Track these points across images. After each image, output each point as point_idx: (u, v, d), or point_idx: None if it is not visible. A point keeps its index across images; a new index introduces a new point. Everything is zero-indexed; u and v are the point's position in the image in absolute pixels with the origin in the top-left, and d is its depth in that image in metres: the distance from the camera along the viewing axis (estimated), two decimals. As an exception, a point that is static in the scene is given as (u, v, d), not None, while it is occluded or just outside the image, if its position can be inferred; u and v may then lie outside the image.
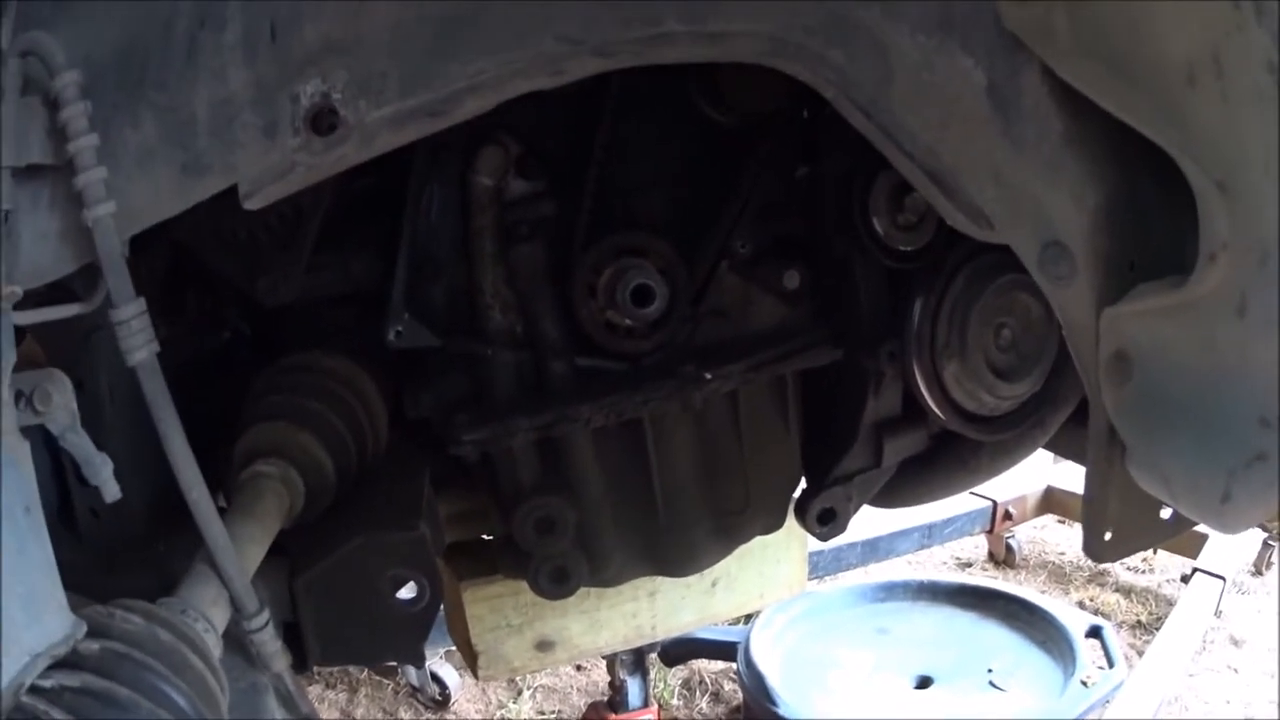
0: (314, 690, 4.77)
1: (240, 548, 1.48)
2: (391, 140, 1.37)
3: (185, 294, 1.87)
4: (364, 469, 1.96)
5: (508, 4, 1.36)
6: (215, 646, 1.37)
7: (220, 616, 1.43)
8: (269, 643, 1.53)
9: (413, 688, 4.77)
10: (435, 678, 4.72)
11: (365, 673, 4.85)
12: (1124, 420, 1.53)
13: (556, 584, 2.17)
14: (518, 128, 1.92)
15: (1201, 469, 1.46)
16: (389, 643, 1.82)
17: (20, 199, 1.23)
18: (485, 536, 2.44)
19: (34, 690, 1.09)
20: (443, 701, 4.73)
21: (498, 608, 2.47)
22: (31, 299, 1.24)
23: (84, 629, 1.17)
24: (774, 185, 2.08)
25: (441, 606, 2.03)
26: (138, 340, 1.32)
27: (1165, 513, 1.69)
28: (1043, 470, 5.87)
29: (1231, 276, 1.32)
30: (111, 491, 1.32)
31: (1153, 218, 1.45)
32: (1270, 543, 5.73)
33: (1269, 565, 5.74)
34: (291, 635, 1.73)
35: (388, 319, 1.94)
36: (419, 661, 1.87)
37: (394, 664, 4.71)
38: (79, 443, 1.29)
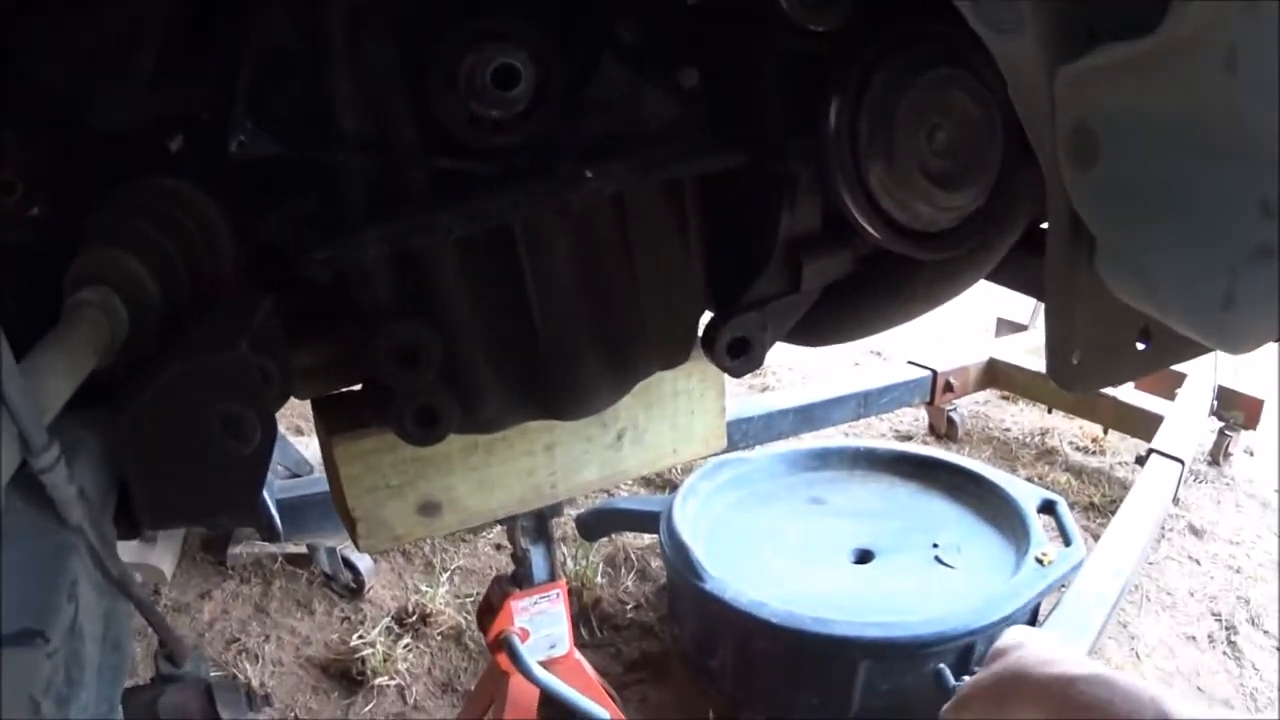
0: (228, 585, 4.68)
1: (37, 378, 1.33)
2: None
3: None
4: (205, 298, 1.79)
5: None
6: None
7: (8, 457, 1.25)
8: (61, 486, 1.33)
9: (325, 576, 4.64)
10: (348, 563, 4.58)
11: (279, 563, 4.75)
12: (1092, 210, 1.31)
13: (423, 427, 1.94)
14: None
15: (1194, 266, 1.24)
16: (222, 493, 1.62)
17: None
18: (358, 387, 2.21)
19: None
20: (357, 589, 4.60)
21: (374, 465, 2.23)
22: None
23: None
24: None
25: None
26: None
27: (1140, 344, 1.48)
28: (984, 343, 5.77)
29: (1214, 19, 1.09)
30: None
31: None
32: (1228, 431, 5.67)
33: (1227, 455, 5.68)
34: (123, 490, 1.55)
35: (230, 129, 1.72)
36: (254, 518, 1.67)
37: (303, 551, 4.59)
38: None
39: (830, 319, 2.21)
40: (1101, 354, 1.46)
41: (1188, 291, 1.25)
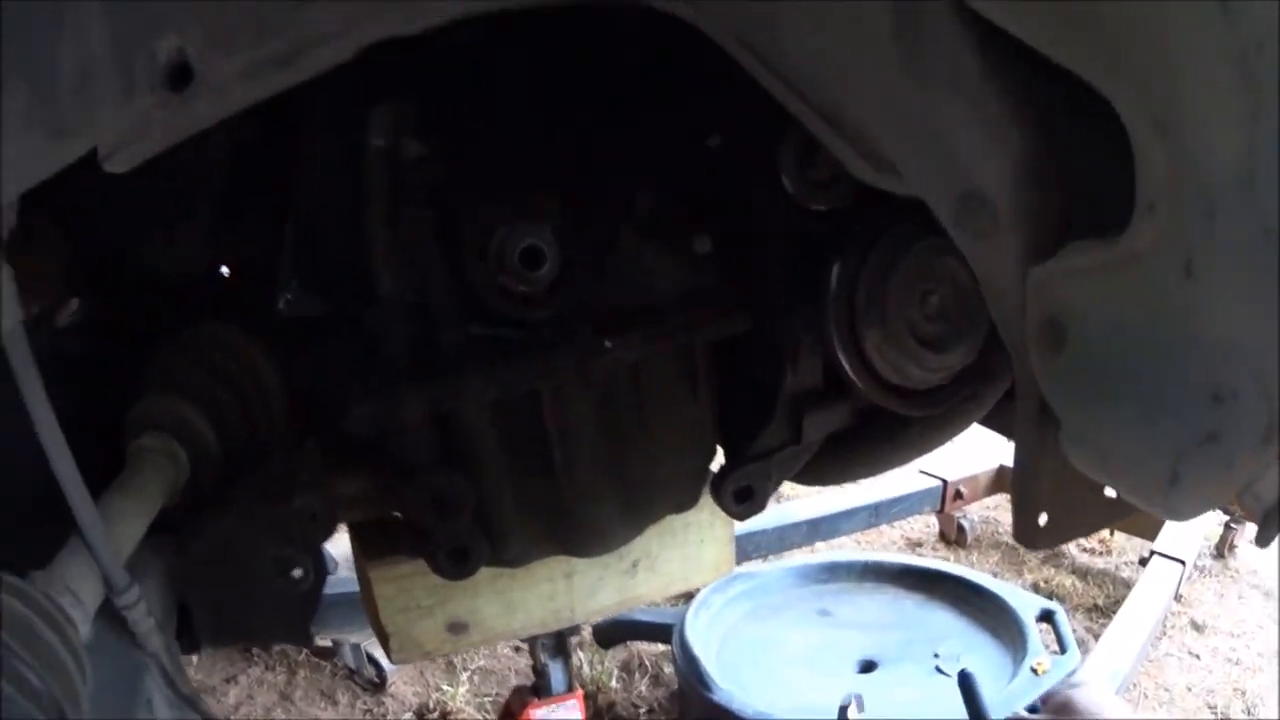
0: (254, 672, 4.76)
1: (113, 523, 1.46)
2: (246, 94, 1.33)
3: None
4: (260, 444, 1.94)
5: None
6: (82, 622, 1.34)
7: (90, 592, 1.40)
8: (141, 620, 1.50)
9: (349, 669, 4.75)
10: (371, 659, 4.68)
11: (303, 654, 4.84)
12: (1057, 394, 1.41)
13: (456, 564, 2.09)
14: (411, 89, 1.84)
15: (1145, 448, 1.35)
16: (276, 622, 1.81)
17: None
18: (396, 514, 2.35)
19: None
20: (379, 684, 4.70)
21: (407, 588, 2.39)
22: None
23: None
24: (680, 143, 2.03)
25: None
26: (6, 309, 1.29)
27: (1110, 491, 1.58)
28: (995, 449, 5.86)
29: (1174, 230, 1.21)
30: None
31: (1090, 166, 1.31)
32: (1233, 525, 5.72)
33: (1232, 548, 5.74)
34: (185, 619, 1.72)
35: (277, 287, 1.89)
36: (307, 641, 1.83)
37: (328, 645, 4.70)
38: None
39: (830, 464, 2.35)
40: (1066, 512, 1.57)
41: (1137, 471, 1.37)
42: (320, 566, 1.75)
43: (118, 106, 1.30)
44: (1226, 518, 5.72)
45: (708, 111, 1.99)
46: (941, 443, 2.35)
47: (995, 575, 5.03)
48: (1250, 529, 5.54)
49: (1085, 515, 1.61)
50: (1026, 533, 1.57)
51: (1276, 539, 1.49)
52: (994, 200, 1.35)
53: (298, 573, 1.75)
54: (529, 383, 1.95)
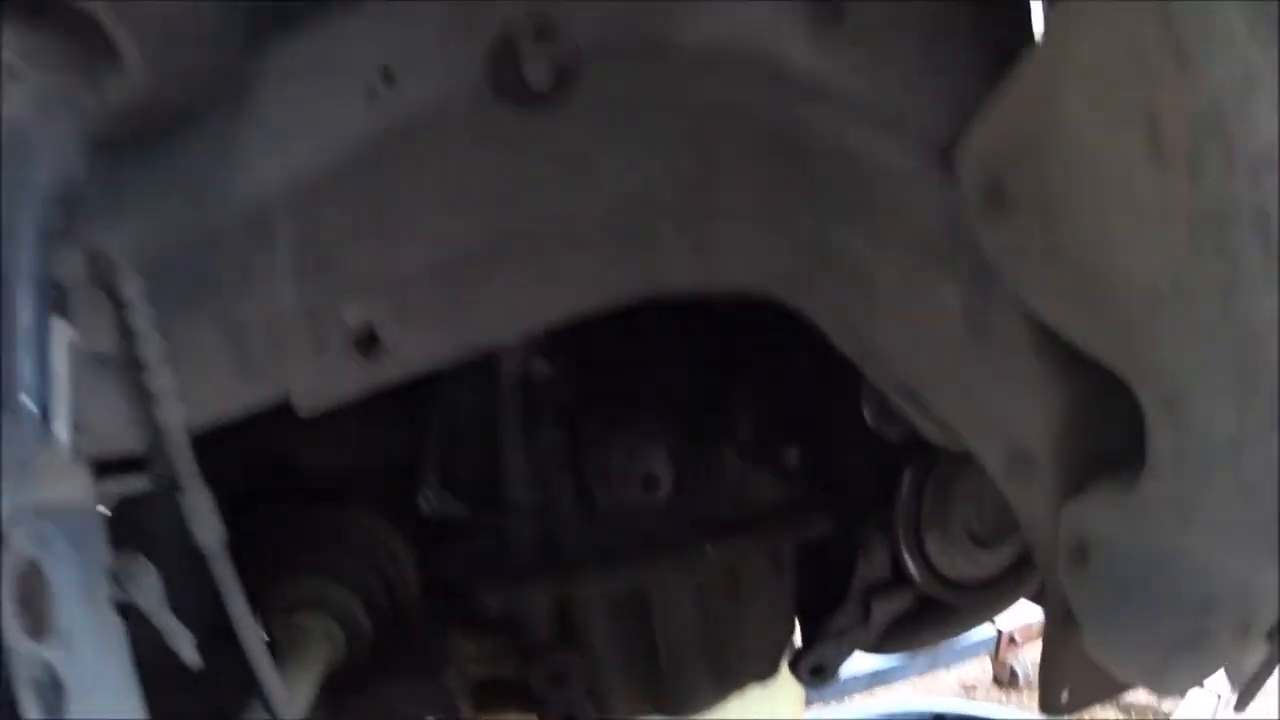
0: None
1: (288, 696, 1.61)
2: (428, 363, 1.52)
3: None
4: (399, 619, 2.12)
5: (531, 244, 1.50)
6: None
7: None
8: None
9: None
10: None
11: None
12: (1079, 603, 1.60)
13: (565, 728, 2.33)
14: None
15: (1143, 647, 1.55)
16: None
17: (88, 381, 1.28)
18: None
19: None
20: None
21: (513, 739, 2.63)
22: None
23: None
24: (775, 372, 2.26)
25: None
26: (206, 525, 1.36)
27: None
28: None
29: (1176, 486, 1.41)
30: (192, 661, 1.37)
31: (1114, 414, 1.49)
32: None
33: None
34: None
35: (420, 488, 2.11)
36: None
37: None
38: (165, 620, 1.33)
39: (893, 639, 2.58)
40: (1084, 687, 1.78)
41: (1138, 664, 1.59)
42: None
43: (309, 361, 1.46)
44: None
45: (799, 344, 2.17)
46: (990, 618, 2.63)
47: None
48: None
49: (1099, 689, 1.81)
50: (1051, 706, 1.79)
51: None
52: (1035, 454, 1.58)
53: None
54: (640, 581, 2.21)
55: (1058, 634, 1.73)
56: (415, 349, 1.49)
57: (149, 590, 1.30)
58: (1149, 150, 1.27)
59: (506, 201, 1.49)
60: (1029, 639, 5.91)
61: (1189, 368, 1.34)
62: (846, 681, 5.38)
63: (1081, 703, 1.81)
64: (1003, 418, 1.57)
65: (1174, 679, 1.57)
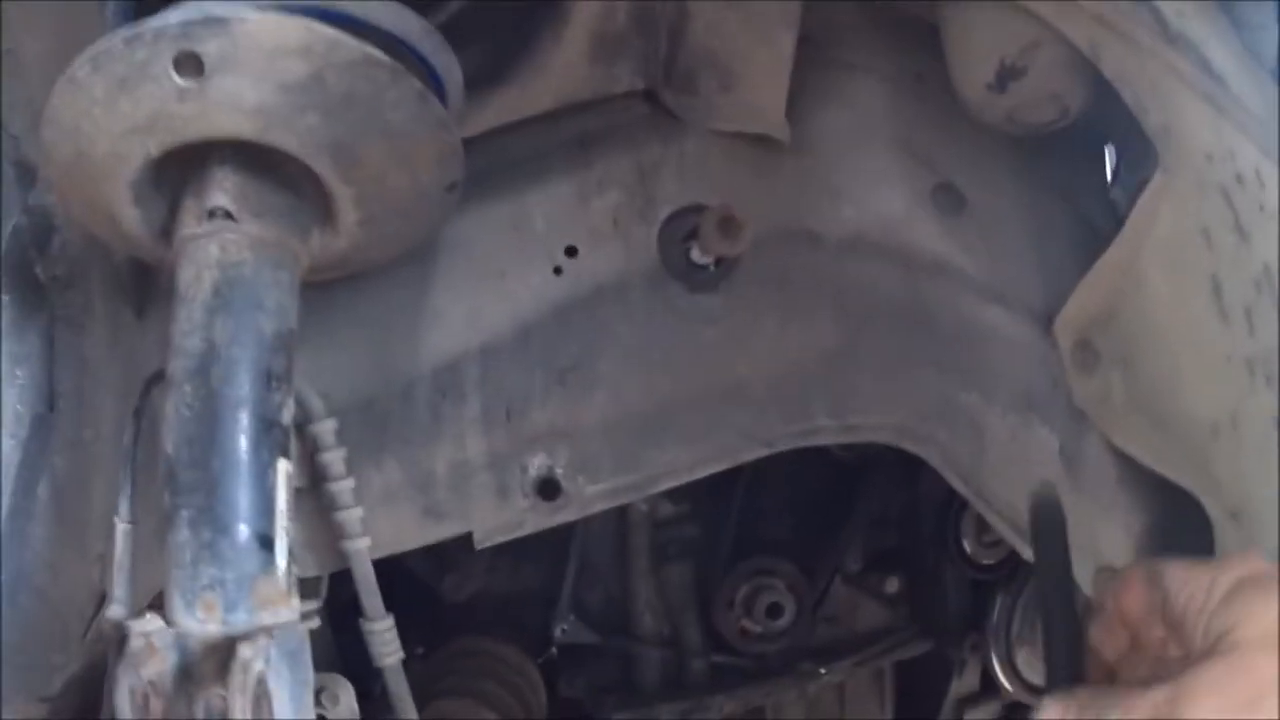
0: None
1: None
2: (602, 506, 1.63)
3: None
4: None
5: (696, 406, 1.64)
6: None
7: None
8: None
9: None
10: None
11: None
12: None
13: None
14: None
15: None
16: None
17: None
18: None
19: None
20: None
21: None
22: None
23: None
24: (879, 507, 2.43)
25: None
26: (388, 648, 1.55)
27: None
28: None
29: None
30: None
31: (1186, 534, 1.62)
32: None
33: None
34: None
35: (556, 618, 2.29)
36: None
37: None
38: None
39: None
40: None
41: None
42: None
43: (493, 505, 1.57)
44: None
45: (902, 477, 2.41)
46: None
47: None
48: None
49: None
50: None
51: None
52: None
53: None
54: (758, 701, 2.36)
55: None
56: (591, 494, 1.61)
57: (346, 707, 1.45)
58: (1213, 308, 1.47)
59: (680, 368, 1.65)
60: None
61: (1249, 484, 1.50)
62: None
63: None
64: (1093, 538, 1.72)
65: None
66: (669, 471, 1.64)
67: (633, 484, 1.63)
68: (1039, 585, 1.23)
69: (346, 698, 1.45)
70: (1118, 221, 1.58)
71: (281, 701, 1.15)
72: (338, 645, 1.90)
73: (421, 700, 2.03)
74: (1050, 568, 1.23)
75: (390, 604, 2.05)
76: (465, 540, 2.10)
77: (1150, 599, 1.09)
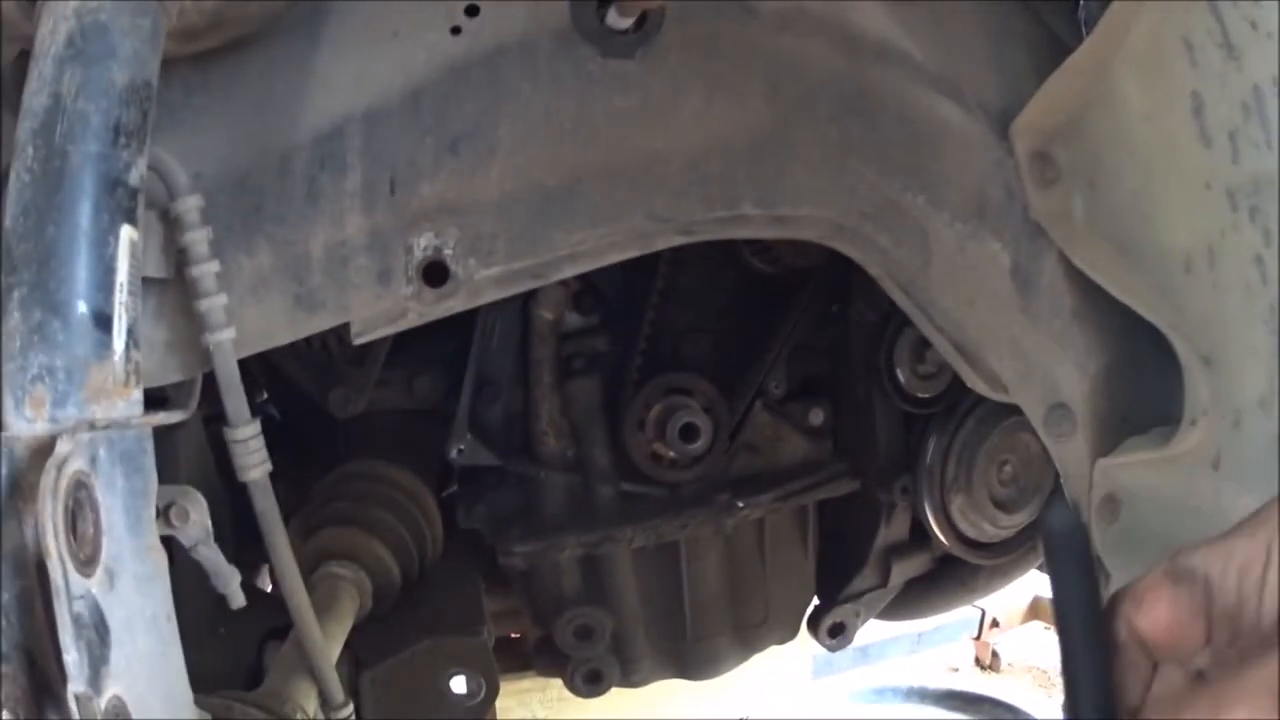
0: None
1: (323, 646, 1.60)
2: (495, 295, 1.48)
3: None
4: (423, 573, 2.13)
5: (607, 182, 1.50)
6: None
7: (311, 708, 1.57)
8: None
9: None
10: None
11: None
12: (1110, 555, 1.65)
13: (591, 684, 2.36)
14: None
15: None
16: None
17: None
18: (513, 634, 2.63)
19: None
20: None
21: (525, 701, 2.66)
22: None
23: None
24: (808, 329, 2.28)
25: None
26: (253, 459, 1.38)
27: None
28: (1029, 580, 5.97)
29: (1209, 437, 1.47)
30: (237, 601, 1.34)
31: (1145, 378, 1.60)
32: None
33: None
34: None
35: (451, 437, 2.12)
36: None
37: None
38: (211, 555, 1.30)
39: (908, 604, 2.65)
40: None
41: None
42: (493, 686, 1.95)
43: (374, 292, 1.42)
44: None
45: (831, 296, 2.27)
46: (1006, 584, 2.67)
47: (1028, 696, 5.21)
48: None
49: None
50: None
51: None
52: (1074, 410, 1.64)
53: (470, 689, 1.94)
54: (671, 534, 2.21)
55: None
56: (483, 279, 1.47)
57: (197, 526, 1.27)
58: (1193, 128, 1.36)
59: (588, 139, 1.50)
60: (1011, 621, 5.93)
61: (1224, 327, 1.43)
62: (832, 660, 5.39)
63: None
64: (1046, 373, 1.63)
65: None
66: (572, 255, 1.50)
67: (530, 268, 1.48)
68: (1058, 618, 1.05)
69: (198, 514, 1.27)
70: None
71: (111, 513, 1.02)
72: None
73: (306, 528, 2.01)
74: (1073, 600, 1.06)
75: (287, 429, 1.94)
76: (356, 352, 2.06)
77: (1186, 601, 0.93)
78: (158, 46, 1.19)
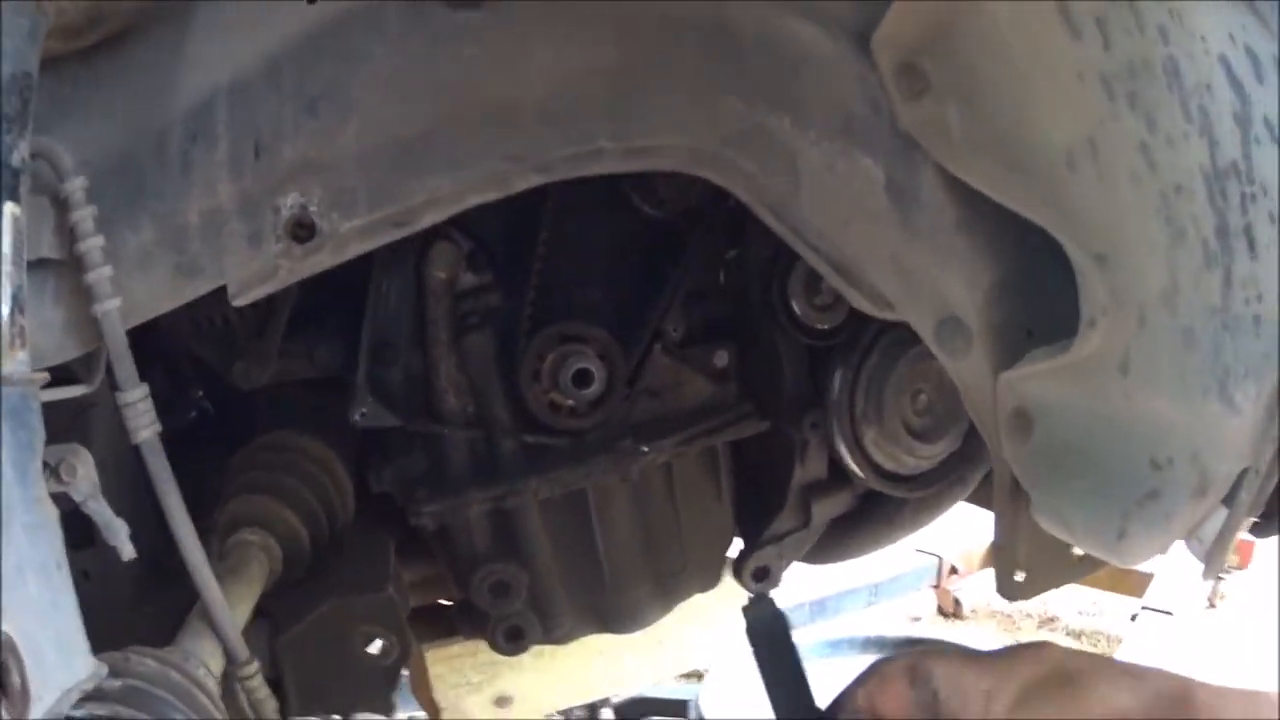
0: None
1: (230, 604, 1.64)
2: (361, 247, 1.55)
3: (153, 374, 2.03)
4: (335, 538, 2.13)
5: (461, 129, 1.54)
6: (215, 693, 1.51)
7: (217, 666, 1.59)
8: (259, 689, 1.69)
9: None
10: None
11: None
12: (1027, 473, 1.66)
13: (512, 641, 2.35)
14: (467, 225, 2.10)
15: (1098, 511, 1.58)
16: (361, 694, 1.98)
17: (28, 290, 1.29)
18: (443, 601, 2.61)
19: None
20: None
21: (457, 667, 2.64)
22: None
23: (105, 669, 1.29)
24: (703, 272, 2.27)
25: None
26: (143, 421, 1.46)
27: (1078, 550, 1.81)
28: (988, 524, 5.96)
29: (1113, 338, 1.46)
30: (127, 552, 1.41)
31: (1047, 287, 1.57)
32: (1221, 575, 5.83)
33: (1221, 597, 5.86)
34: (275, 690, 1.84)
35: (352, 401, 2.12)
36: (389, 711, 2.03)
37: None
38: (99, 509, 1.37)
39: (835, 544, 2.65)
40: (1041, 568, 1.81)
41: (1092, 529, 1.61)
42: (405, 644, 1.96)
43: (246, 253, 1.50)
44: (1214, 569, 5.83)
45: (726, 238, 2.26)
46: (933, 520, 2.65)
47: (991, 642, 5.21)
48: (1240, 578, 5.67)
49: (1057, 570, 1.84)
50: (1007, 588, 1.82)
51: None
52: (968, 323, 1.64)
53: (382, 648, 1.96)
54: (576, 483, 2.21)
55: (1007, 512, 1.78)
56: (348, 231, 1.53)
57: (85, 481, 1.34)
58: (1060, 21, 1.34)
59: (439, 90, 1.55)
60: (970, 568, 5.96)
61: (1115, 222, 1.42)
62: (789, 614, 5.38)
63: (1039, 585, 1.84)
64: (933, 287, 1.63)
65: (1133, 546, 1.59)
66: (431, 201, 1.56)
67: (391, 217, 1.55)
68: (771, 704, 1.14)
69: (86, 470, 1.35)
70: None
71: (0, 465, 1.04)
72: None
73: (208, 499, 1.99)
74: (780, 685, 1.13)
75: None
76: (257, 325, 2.07)
77: (915, 700, 1.05)
78: (36, 41, 1.29)
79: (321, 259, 1.53)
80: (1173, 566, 5.53)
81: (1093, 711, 0.85)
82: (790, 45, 1.58)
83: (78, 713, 1.23)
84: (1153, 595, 5.39)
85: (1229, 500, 1.51)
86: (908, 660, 1.03)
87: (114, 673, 1.34)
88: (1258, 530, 1.73)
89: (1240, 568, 5.90)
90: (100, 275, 1.38)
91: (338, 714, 1.59)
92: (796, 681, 1.13)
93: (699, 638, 2.91)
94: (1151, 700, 0.86)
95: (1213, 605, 5.86)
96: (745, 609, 1.06)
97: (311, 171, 1.50)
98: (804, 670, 1.12)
